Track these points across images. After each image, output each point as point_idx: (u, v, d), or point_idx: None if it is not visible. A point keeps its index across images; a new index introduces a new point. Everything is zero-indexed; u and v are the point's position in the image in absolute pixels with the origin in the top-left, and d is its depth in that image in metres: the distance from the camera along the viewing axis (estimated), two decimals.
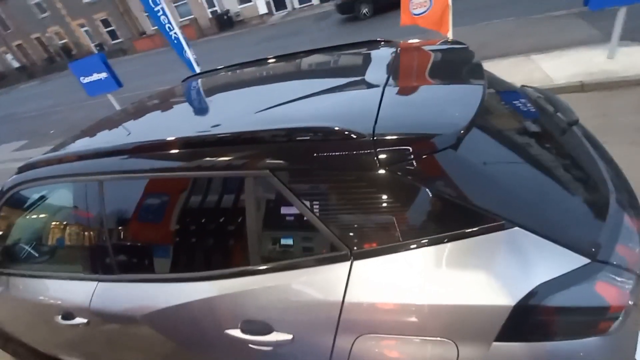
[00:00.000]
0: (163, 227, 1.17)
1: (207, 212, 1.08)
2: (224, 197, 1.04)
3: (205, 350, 1.12)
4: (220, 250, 1.08)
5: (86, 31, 24.96)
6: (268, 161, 0.91)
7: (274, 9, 20.79)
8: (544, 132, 1.12)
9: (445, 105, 0.96)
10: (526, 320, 0.74)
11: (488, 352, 0.77)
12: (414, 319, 0.81)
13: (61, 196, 1.46)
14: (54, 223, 1.49)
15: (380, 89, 1.04)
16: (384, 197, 0.82)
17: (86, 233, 1.28)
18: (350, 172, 0.84)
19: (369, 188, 0.83)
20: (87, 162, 1.22)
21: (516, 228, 0.76)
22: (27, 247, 1.54)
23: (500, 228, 0.76)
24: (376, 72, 1.26)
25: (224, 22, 20.66)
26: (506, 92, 1.29)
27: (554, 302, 0.72)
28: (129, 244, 1.24)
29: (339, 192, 0.86)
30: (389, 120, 0.87)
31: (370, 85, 1.12)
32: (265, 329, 0.96)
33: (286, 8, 20.73)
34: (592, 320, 0.74)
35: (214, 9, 21.36)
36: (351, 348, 0.88)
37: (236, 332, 1.00)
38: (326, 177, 0.87)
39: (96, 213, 1.23)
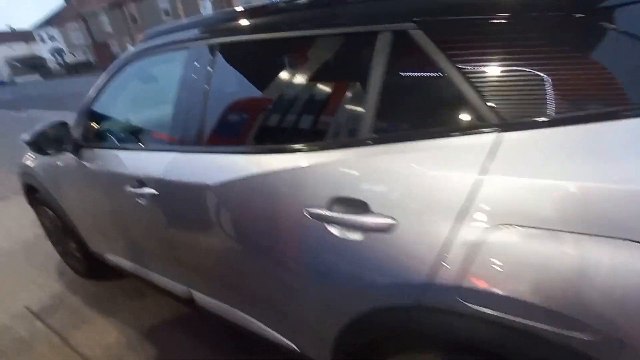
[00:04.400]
0: (263, 90, 1.09)
1: (317, 76, 0.97)
2: (339, 60, 0.92)
3: (277, 230, 0.97)
4: (323, 119, 0.95)
5: None
6: (413, 11, 0.77)
7: None
8: None
9: None
10: None
11: None
12: (578, 209, 0.58)
13: (161, 70, 1.48)
14: (151, 96, 1.51)
15: None
16: (556, 61, 0.64)
17: (181, 101, 1.24)
18: (524, 25, 0.67)
19: (544, 50, 0.65)
20: (200, 26, 1.21)
21: None
22: (122, 120, 1.58)
23: None
24: None
25: None
26: None
27: None
28: (219, 112, 1.17)
29: (503, 52, 0.69)
30: None
31: None
32: (361, 209, 0.79)
33: None
34: None
35: None
36: (476, 241, 0.66)
37: (322, 211, 0.84)
38: (490, 35, 0.70)
39: (197, 81, 1.18)
